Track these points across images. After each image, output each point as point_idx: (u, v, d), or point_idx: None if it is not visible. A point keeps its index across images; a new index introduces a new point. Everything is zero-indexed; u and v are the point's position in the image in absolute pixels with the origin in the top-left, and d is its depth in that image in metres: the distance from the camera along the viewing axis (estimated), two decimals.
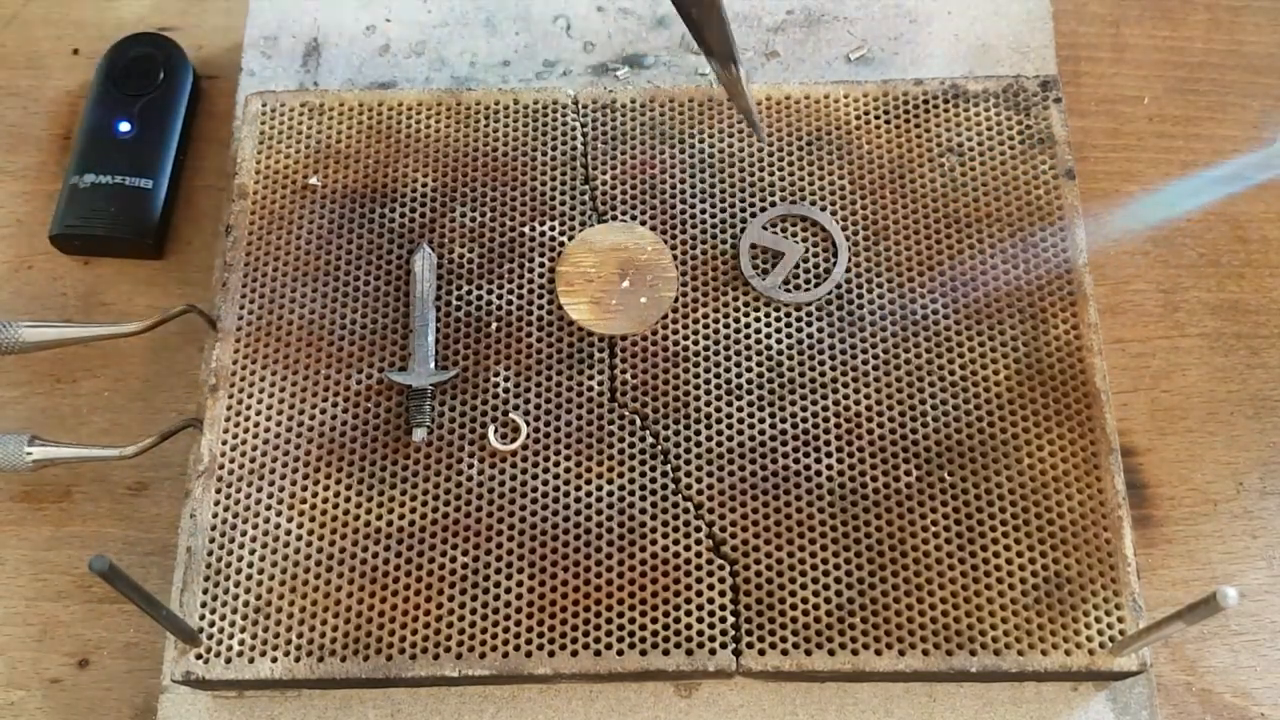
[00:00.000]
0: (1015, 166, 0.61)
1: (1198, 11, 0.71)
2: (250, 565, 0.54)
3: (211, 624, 0.53)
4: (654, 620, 0.52)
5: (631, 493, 0.55)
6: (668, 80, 0.67)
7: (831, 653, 0.52)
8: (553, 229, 0.60)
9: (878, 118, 0.62)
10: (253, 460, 0.56)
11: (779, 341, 0.58)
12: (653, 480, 0.55)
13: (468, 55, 0.68)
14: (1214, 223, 0.65)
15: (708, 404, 0.56)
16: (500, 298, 0.59)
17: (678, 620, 0.52)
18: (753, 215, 0.60)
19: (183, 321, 0.60)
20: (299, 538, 0.54)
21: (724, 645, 0.52)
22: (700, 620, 0.52)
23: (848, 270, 0.59)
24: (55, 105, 0.70)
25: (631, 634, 0.52)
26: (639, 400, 0.57)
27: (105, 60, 0.68)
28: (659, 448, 0.56)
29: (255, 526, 0.55)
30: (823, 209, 0.60)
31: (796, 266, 0.59)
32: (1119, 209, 0.64)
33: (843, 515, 0.54)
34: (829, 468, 0.55)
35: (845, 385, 0.57)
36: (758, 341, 0.58)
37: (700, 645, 0.52)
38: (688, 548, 0.54)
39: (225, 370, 0.58)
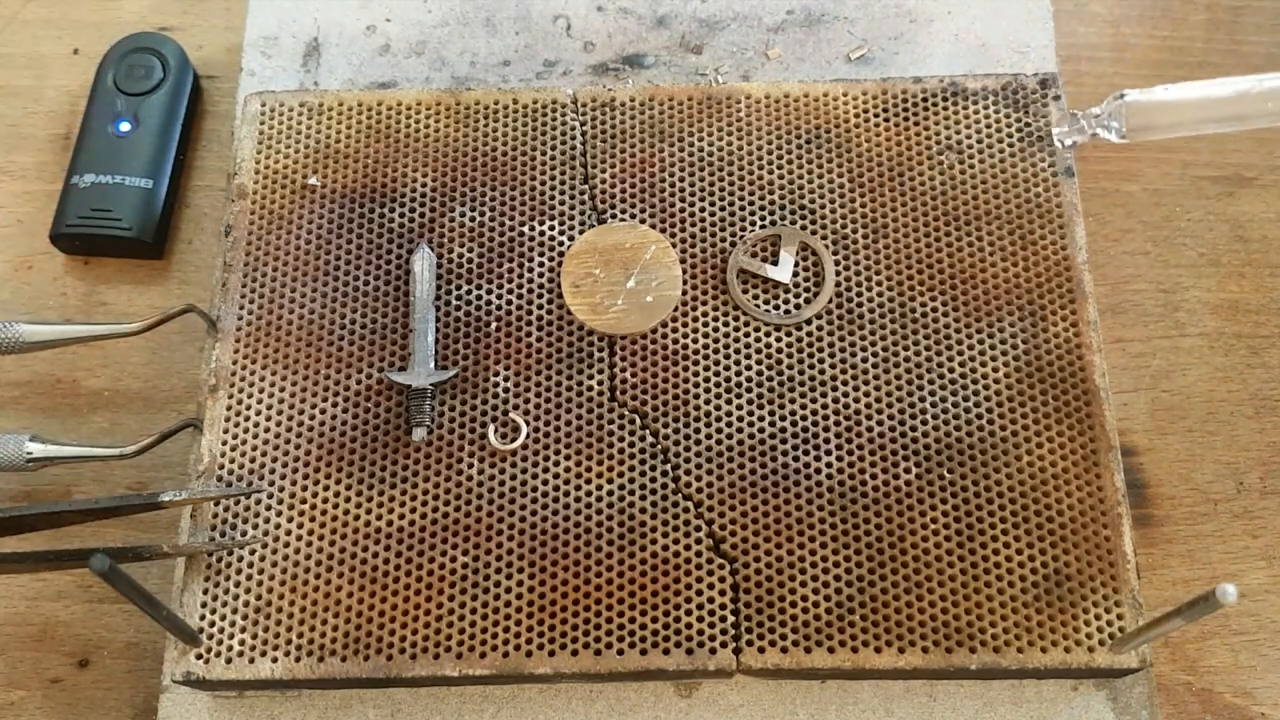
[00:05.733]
0: (1014, 164, 0.61)
1: (1198, 11, 0.71)
2: (250, 565, 0.54)
3: (211, 624, 0.53)
4: (654, 619, 0.52)
5: (631, 492, 0.55)
6: (668, 80, 0.67)
7: (831, 650, 0.52)
8: (552, 228, 0.60)
9: (877, 116, 0.62)
10: (253, 460, 0.56)
11: (778, 340, 0.58)
12: (653, 479, 0.55)
13: (468, 55, 0.68)
14: (1214, 223, 0.65)
15: (707, 403, 0.56)
16: (500, 298, 0.59)
17: (678, 619, 0.52)
18: (750, 215, 0.60)
19: (183, 321, 0.60)
20: (299, 538, 0.54)
21: (724, 644, 0.52)
22: (700, 619, 0.52)
23: (841, 276, 0.59)
24: (55, 105, 0.70)
25: (631, 633, 0.52)
26: (639, 399, 0.57)
27: (105, 60, 0.68)
28: (659, 447, 0.56)
29: (255, 526, 0.55)
30: (820, 209, 0.60)
31: (786, 290, 0.59)
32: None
33: (842, 513, 0.54)
34: (828, 466, 0.55)
35: (844, 384, 0.57)
36: (757, 340, 0.58)
37: (700, 644, 0.52)
38: (688, 547, 0.54)
39: (225, 370, 0.58)
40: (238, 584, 0.53)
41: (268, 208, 0.61)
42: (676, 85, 0.64)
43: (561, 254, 0.60)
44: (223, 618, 0.53)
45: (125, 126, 0.66)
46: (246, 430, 0.56)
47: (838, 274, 0.59)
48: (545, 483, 0.55)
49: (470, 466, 0.56)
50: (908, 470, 0.55)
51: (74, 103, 0.70)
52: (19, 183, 0.68)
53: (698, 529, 0.54)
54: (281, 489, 0.55)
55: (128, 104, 0.66)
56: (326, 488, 0.55)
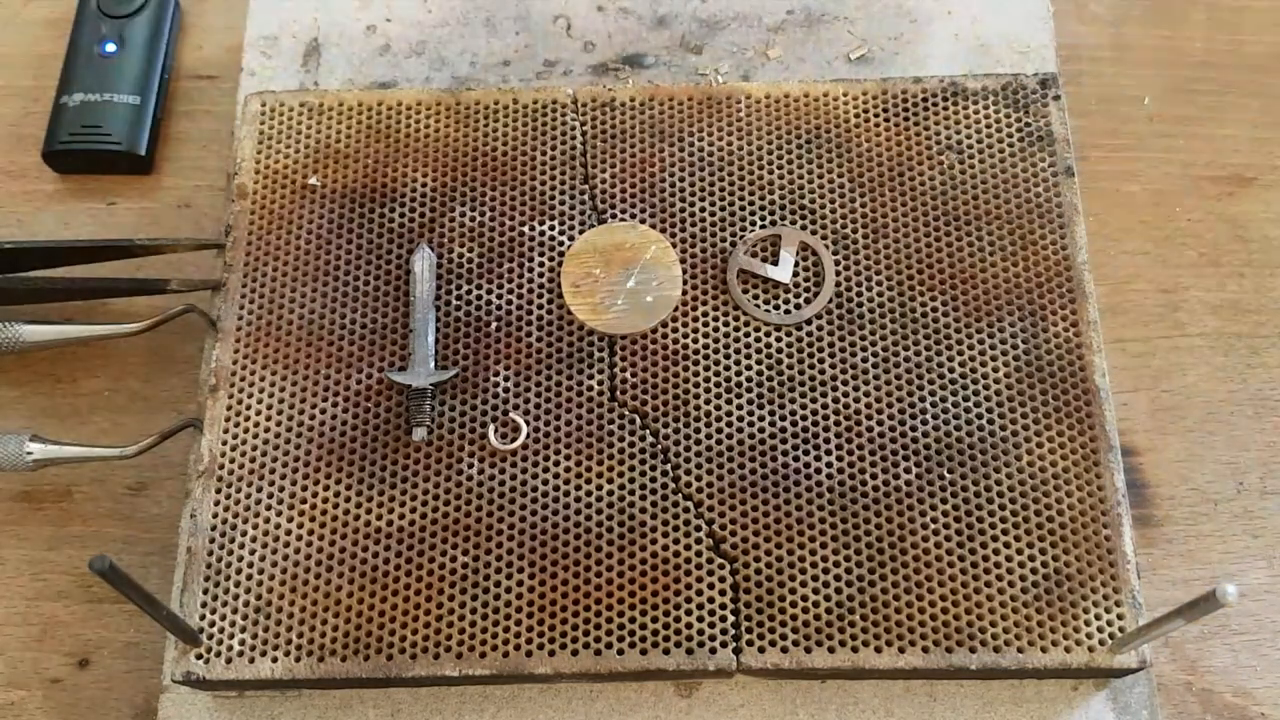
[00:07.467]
0: (1015, 164, 0.61)
1: (1198, 11, 0.71)
2: (250, 565, 0.54)
3: (211, 624, 0.53)
4: (654, 619, 0.52)
5: (631, 492, 0.55)
6: (668, 80, 0.67)
7: (831, 650, 0.52)
8: (552, 228, 0.60)
9: (877, 116, 0.62)
10: (253, 460, 0.56)
11: (778, 340, 0.58)
12: (653, 479, 0.55)
13: (468, 55, 0.68)
14: (1214, 223, 0.65)
15: (707, 403, 0.56)
16: (500, 297, 0.59)
17: (678, 619, 0.52)
18: (750, 216, 0.60)
19: (183, 321, 0.60)
20: (299, 538, 0.54)
21: (724, 644, 0.52)
22: (700, 619, 0.52)
23: (841, 276, 0.59)
24: None
25: (631, 633, 0.52)
26: (639, 399, 0.57)
27: None
28: (659, 447, 0.56)
29: (255, 526, 0.55)
30: (820, 209, 0.60)
31: (786, 290, 0.59)
32: None
33: (842, 513, 0.54)
34: (828, 466, 0.55)
35: (844, 383, 0.57)
36: (757, 340, 0.58)
37: (700, 644, 0.52)
38: (688, 547, 0.54)
39: (225, 370, 0.58)
40: (238, 584, 0.53)
41: (268, 208, 0.61)
42: (676, 85, 0.64)
43: (561, 254, 0.60)
44: (223, 618, 0.53)
45: (110, 47, 0.68)
46: (246, 430, 0.56)
47: (838, 274, 0.59)
48: (545, 483, 0.55)
49: (470, 466, 0.56)
50: (908, 470, 0.55)
51: None
52: (19, 183, 0.68)
53: (698, 529, 0.54)
54: (281, 489, 0.55)
55: (112, 26, 0.69)
56: (326, 488, 0.55)
